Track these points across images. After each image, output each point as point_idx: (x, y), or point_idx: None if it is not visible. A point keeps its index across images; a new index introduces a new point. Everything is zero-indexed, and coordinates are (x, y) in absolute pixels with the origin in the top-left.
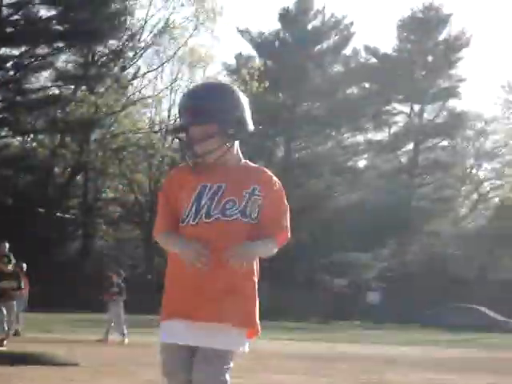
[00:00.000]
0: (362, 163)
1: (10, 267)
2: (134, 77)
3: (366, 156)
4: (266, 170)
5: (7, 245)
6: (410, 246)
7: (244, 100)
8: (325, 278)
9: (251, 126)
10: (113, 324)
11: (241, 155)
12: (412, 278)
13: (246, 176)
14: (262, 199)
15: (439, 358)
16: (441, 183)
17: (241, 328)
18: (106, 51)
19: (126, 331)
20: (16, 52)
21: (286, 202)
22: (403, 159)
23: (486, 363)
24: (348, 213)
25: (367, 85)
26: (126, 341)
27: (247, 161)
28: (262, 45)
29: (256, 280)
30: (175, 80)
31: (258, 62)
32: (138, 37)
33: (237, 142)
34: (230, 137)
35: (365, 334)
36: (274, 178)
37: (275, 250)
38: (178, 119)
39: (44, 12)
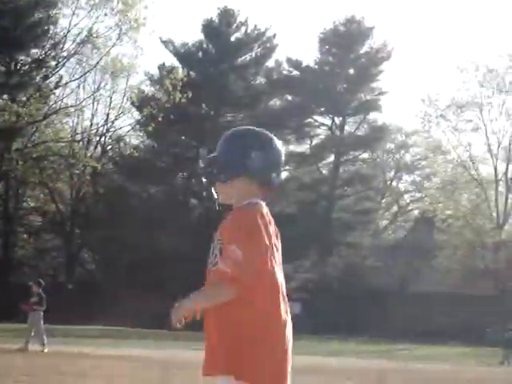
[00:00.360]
0: (283, 175)
1: None
2: (57, 86)
3: (287, 167)
4: (237, 210)
5: None
6: (330, 257)
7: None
8: None
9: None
10: (33, 333)
11: (246, 198)
12: (332, 289)
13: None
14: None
15: (361, 368)
16: (361, 195)
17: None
18: (29, 60)
19: (45, 340)
20: None
21: (235, 240)
22: (324, 171)
23: (404, 375)
24: None
25: (289, 97)
26: (46, 350)
27: (249, 202)
28: (185, 55)
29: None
30: (98, 89)
31: (181, 72)
32: (60, 46)
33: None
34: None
35: None
36: (232, 218)
37: (224, 292)
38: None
39: None
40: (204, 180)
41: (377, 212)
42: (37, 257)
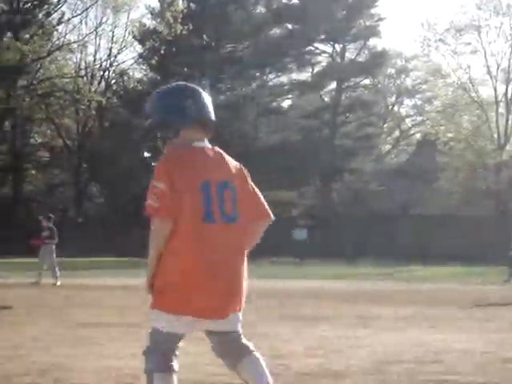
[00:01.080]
0: (286, 103)
1: None
2: (59, 22)
3: (289, 96)
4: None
5: None
6: (333, 183)
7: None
8: None
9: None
10: (45, 267)
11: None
12: (336, 215)
13: None
14: None
15: (367, 290)
16: (363, 121)
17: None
18: None
19: (58, 274)
20: None
21: (156, 181)
22: (326, 98)
23: (408, 295)
24: (273, 153)
25: (290, 25)
26: (59, 283)
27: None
28: None
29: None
30: (100, 24)
31: (181, 4)
32: None
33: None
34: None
35: (293, 270)
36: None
37: (152, 231)
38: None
39: None
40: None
41: (379, 137)
42: (46, 192)
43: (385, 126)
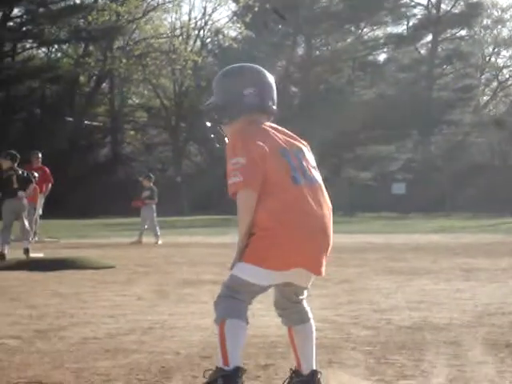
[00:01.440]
0: (382, 57)
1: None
2: None
3: (385, 50)
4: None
5: (40, 154)
6: (432, 136)
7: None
8: (350, 171)
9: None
10: (146, 227)
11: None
12: (435, 168)
13: None
14: None
15: (467, 243)
16: (460, 73)
17: None
18: None
19: (159, 233)
20: None
21: (231, 159)
22: (422, 51)
23: (509, 247)
24: (370, 107)
25: None
26: (160, 242)
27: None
28: None
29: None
30: None
31: None
32: None
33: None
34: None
35: (392, 224)
36: (229, 139)
37: (239, 206)
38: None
39: None
40: (208, 124)
41: (477, 88)
42: (145, 152)
43: (482, 77)
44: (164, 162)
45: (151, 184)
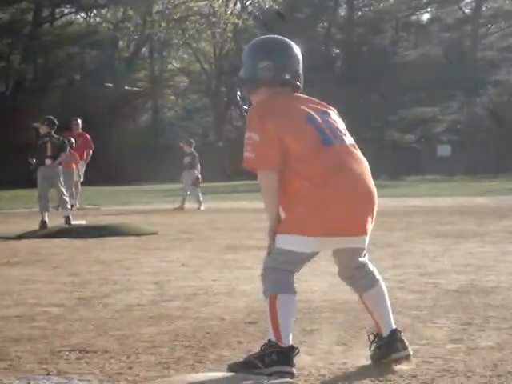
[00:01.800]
0: (425, 17)
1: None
2: None
3: (428, 9)
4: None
5: (79, 121)
6: (477, 97)
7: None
8: (394, 134)
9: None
10: (188, 193)
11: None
12: (481, 129)
13: None
14: None
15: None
16: (506, 31)
17: None
18: None
19: (201, 198)
20: None
21: (248, 132)
22: (467, 10)
23: None
24: (414, 68)
25: None
26: (202, 208)
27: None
28: None
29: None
30: None
31: None
32: None
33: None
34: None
35: (437, 187)
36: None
37: (261, 188)
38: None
39: None
40: (238, 94)
41: None
42: (185, 117)
43: None
44: (205, 127)
45: (192, 149)
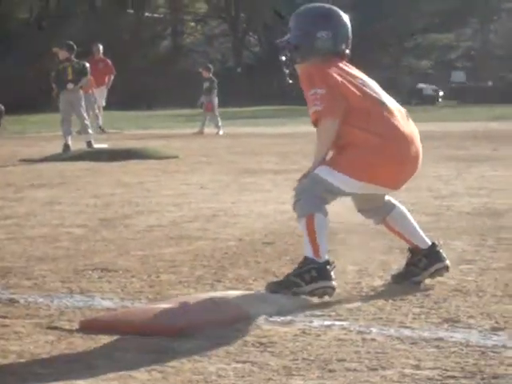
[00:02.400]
0: None
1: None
2: None
3: None
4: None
5: (101, 46)
6: (491, 24)
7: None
8: (410, 60)
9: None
10: (208, 117)
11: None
12: (495, 56)
13: None
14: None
15: None
16: None
17: None
18: None
19: (220, 123)
20: None
21: (312, 89)
22: None
23: None
24: None
25: None
26: (221, 132)
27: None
28: None
29: None
30: None
31: None
32: None
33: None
34: None
35: (452, 112)
36: (303, 71)
37: (322, 134)
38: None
39: None
40: (282, 59)
41: None
42: (205, 43)
43: None
44: (224, 52)
45: (210, 75)
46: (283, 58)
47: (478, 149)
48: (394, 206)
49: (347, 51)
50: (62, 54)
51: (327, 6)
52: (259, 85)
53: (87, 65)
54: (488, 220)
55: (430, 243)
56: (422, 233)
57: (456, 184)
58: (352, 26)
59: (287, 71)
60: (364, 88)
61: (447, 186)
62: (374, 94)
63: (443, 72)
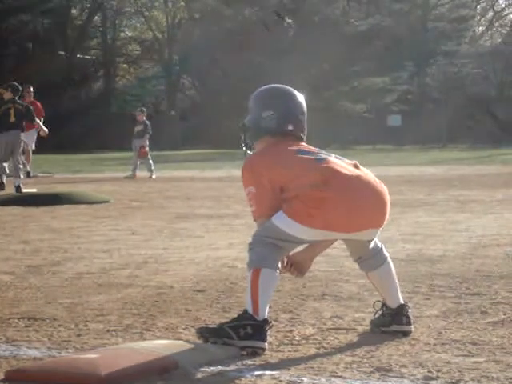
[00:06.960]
0: None
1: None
2: None
3: None
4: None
5: (32, 89)
6: (428, 67)
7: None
8: (345, 104)
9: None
10: (140, 161)
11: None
12: (431, 100)
13: None
14: None
15: (463, 175)
16: (456, 3)
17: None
18: None
19: (153, 167)
20: None
21: (247, 188)
22: None
23: (505, 178)
24: (365, 38)
25: None
26: (154, 176)
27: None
28: None
29: None
30: None
31: None
32: None
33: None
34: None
35: (387, 156)
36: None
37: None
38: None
39: None
40: (242, 140)
41: (472, 19)
42: (138, 86)
43: (478, 7)
44: (157, 95)
45: (144, 118)
46: (242, 140)
47: (412, 193)
48: (382, 262)
49: (300, 133)
50: (7, 95)
51: (280, 86)
52: (193, 128)
53: (31, 108)
54: (422, 266)
55: (399, 304)
56: (397, 292)
57: (390, 230)
58: (289, 70)
59: (246, 152)
60: (298, 157)
61: (381, 232)
62: (311, 157)
63: (379, 116)
